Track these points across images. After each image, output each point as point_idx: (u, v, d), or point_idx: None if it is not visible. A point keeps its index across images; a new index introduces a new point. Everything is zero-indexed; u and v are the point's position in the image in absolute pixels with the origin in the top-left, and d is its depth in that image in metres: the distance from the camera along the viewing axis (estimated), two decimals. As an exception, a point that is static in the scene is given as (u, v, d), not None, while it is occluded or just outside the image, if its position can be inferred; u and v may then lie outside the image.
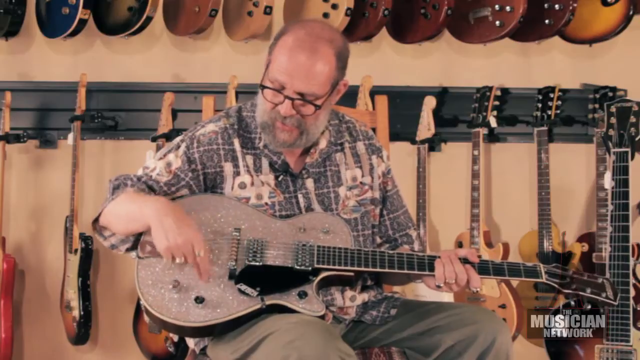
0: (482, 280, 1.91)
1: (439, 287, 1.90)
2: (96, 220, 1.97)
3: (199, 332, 1.89)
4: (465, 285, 1.89)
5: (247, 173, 2.00)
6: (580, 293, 1.93)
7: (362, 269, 1.90)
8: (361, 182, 2.08)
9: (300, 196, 2.01)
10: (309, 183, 2.03)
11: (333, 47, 1.92)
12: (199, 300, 1.81)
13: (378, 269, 1.91)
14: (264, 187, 1.99)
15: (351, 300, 2.00)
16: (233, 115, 2.06)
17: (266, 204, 1.98)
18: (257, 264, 1.88)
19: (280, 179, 2.01)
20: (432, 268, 1.90)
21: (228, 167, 2.00)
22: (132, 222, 1.89)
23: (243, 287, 1.84)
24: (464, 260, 1.90)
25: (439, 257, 1.90)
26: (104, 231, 1.98)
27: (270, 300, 1.83)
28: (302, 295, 1.84)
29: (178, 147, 2.02)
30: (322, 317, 1.84)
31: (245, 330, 1.83)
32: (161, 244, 1.81)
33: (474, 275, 1.89)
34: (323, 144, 2.05)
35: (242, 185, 1.99)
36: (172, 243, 1.80)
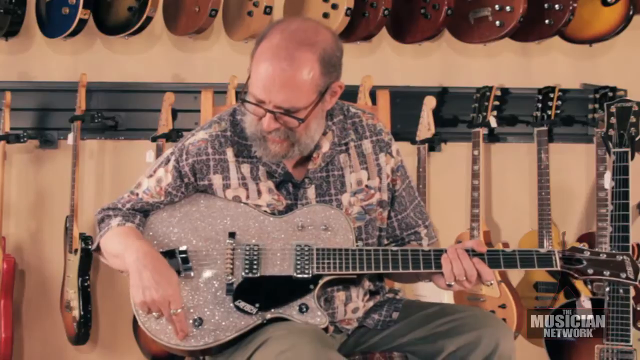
0: (493, 274, 1.82)
1: (450, 286, 1.83)
2: (97, 249, 1.96)
3: (198, 353, 1.85)
4: (477, 280, 1.82)
5: (241, 186, 1.91)
6: (598, 277, 1.85)
7: (365, 272, 1.84)
8: (367, 186, 1.97)
9: (299, 207, 1.91)
10: (311, 191, 1.93)
11: (315, 52, 1.77)
12: (198, 322, 1.78)
13: (381, 271, 1.84)
14: (260, 199, 1.91)
15: (353, 312, 1.95)
16: (225, 119, 1.95)
17: (265, 212, 1.91)
18: (255, 275, 1.83)
19: (280, 185, 1.92)
20: (439, 265, 1.82)
21: (217, 180, 1.91)
22: (120, 264, 1.86)
23: (242, 304, 1.79)
24: (473, 252, 1.82)
25: (446, 250, 1.83)
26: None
27: (270, 315, 1.79)
28: (304, 309, 1.79)
29: (168, 160, 1.95)
30: (325, 329, 1.80)
31: (241, 340, 1.80)
32: (137, 297, 1.78)
33: (484, 269, 1.80)
34: (326, 146, 1.94)
35: (237, 199, 1.91)
36: (148, 299, 1.77)
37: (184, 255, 1.85)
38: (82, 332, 3.29)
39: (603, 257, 1.86)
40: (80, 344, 3.33)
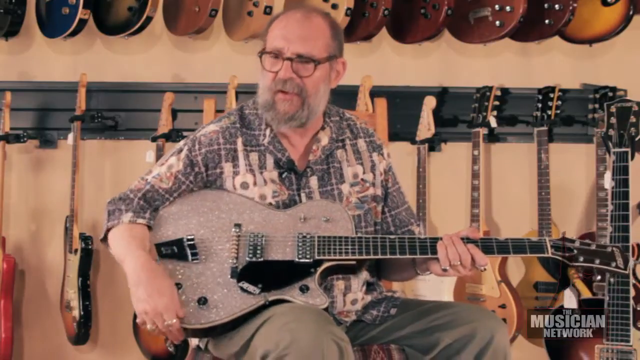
0: (487, 259, 1.89)
1: (445, 270, 1.89)
2: (105, 238, 2.00)
3: (201, 333, 1.89)
4: (471, 265, 1.88)
5: (249, 172, 1.99)
6: (589, 265, 1.90)
7: (364, 257, 1.91)
8: (362, 179, 2.07)
9: (303, 195, 2.00)
10: (313, 181, 2.02)
11: (326, 19, 2.00)
12: (202, 301, 1.83)
13: (380, 256, 1.91)
14: (266, 186, 1.99)
15: (352, 303, 2.00)
16: (234, 113, 2.07)
17: (270, 203, 1.98)
18: (258, 259, 1.89)
19: (284, 175, 2.01)
20: (434, 251, 1.89)
21: (227, 168, 2.00)
22: (120, 261, 1.92)
23: (245, 285, 1.85)
24: (467, 240, 1.89)
25: (441, 238, 1.90)
26: None
27: (272, 296, 1.84)
28: (304, 289, 1.85)
29: (180, 150, 2.03)
30: (326, 309, 1.84)
31: (244, 322, 1.84)
32: (135, 308, 1.82)
33: (478, 254, 1.87)
34: (325, 140, 2.05)
35: (245, 186, 1.99)
36: (141, 310, 1.80)
37: (191, 243, 1.92)
38: (82, 332, 3.29)
39: (593, 247, 1.91)
40: (80, 344, 3.33)
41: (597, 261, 1.90)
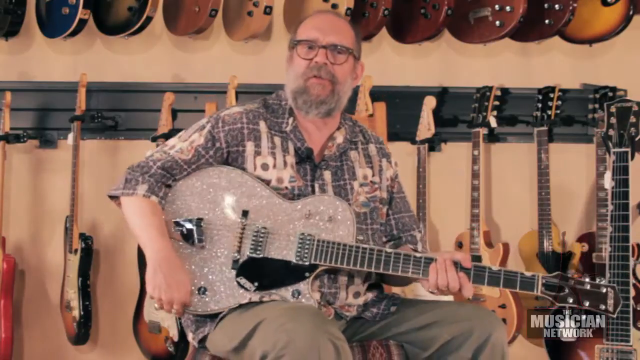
0: (474, 289, 1.95)
1: (432, 292, 1.97)
2: (113, 197, 2.05)
3: (198, 315, 2.00)
4: (458, 292, 1.94)
5: (270, 155, 2.04)
6: (577, 307, 1.90)
7: (357, 268, 1.96)
8: (371, 181, 2.14)
9: (316, 186, 2.06)
10: (327, 175, 2.08)
11: (350, 24, 2.14)
12: (202, 291, 1.94)
13: (373, 269, 1.96)
14: (285, 170, 2.04)
15: (355, 297, 2.04)
16: (257, 101, 2.14)
17: (286, 187, 2.03)
18: (258, 255, 1.95)
19: (299, 164, 2.06)
20: (426, 272, 1.94)
21: (250, 147, 2.05)
22: (136, 237, 2.00)
23: (242, 281, 1.94)
24: (460, 267, 1.93)
25: (436, 259, 1.94)
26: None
27: (266, 295, 1.94)
28: (296, 294, 1.94)
29: (203, 127, 2.08)
30: (330, 303, 1.93)
31: (241, 318, 1.89)
32: (148, 289, 1.94)
33: (466, 285, 1.93)
34: (340, 139, 2.13)
35: (265, 167, 2.04)
36: (156, 295, 1.92)
37: (198, 226, 1.98)
38: (82, 332, 3.29)
39: (587, 287, 1.89)
40: (80, 344, 3.33)
41: (587, 303, 1.88)
